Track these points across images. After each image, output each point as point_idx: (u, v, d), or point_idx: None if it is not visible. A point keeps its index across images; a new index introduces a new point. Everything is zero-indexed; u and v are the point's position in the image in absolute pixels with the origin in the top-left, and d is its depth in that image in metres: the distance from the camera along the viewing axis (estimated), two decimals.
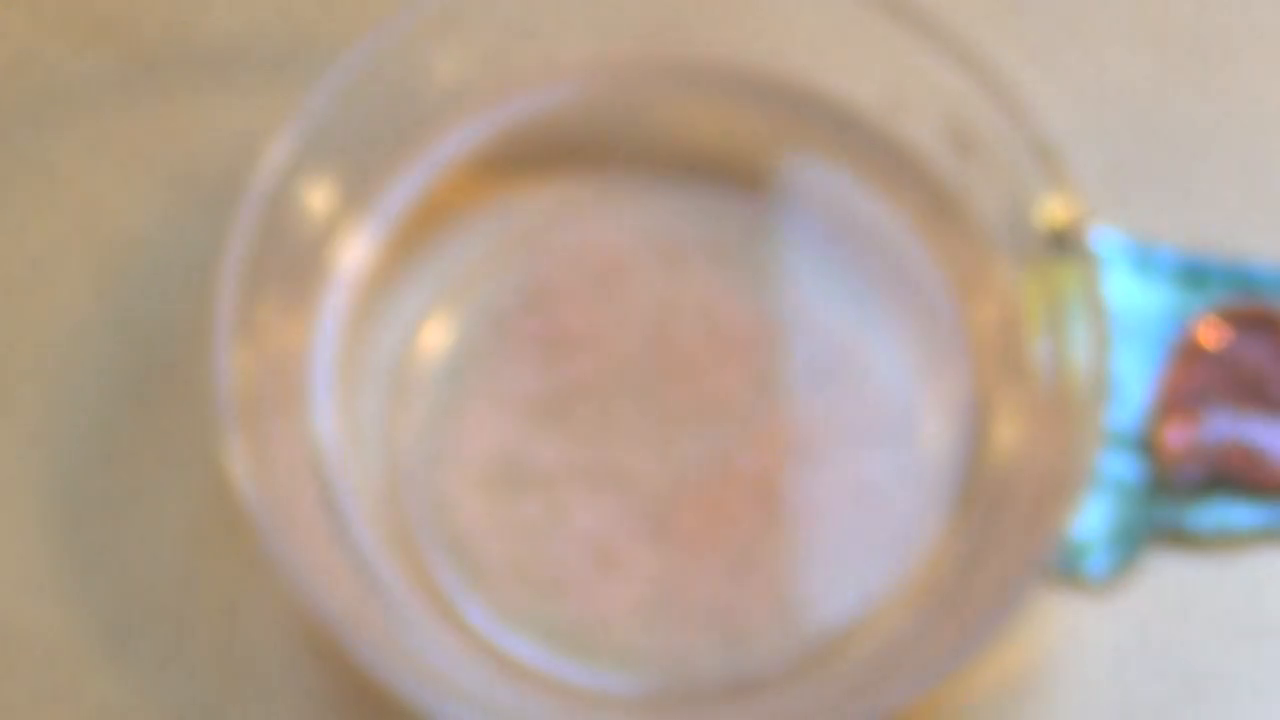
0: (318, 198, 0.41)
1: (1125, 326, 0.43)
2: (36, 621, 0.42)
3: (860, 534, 0.41)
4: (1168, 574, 0.42)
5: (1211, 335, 0.43)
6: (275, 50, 0.46)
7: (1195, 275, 0.43)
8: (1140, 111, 0.45)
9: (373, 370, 0.42)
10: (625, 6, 0.42)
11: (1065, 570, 0.42)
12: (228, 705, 0.41)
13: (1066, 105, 0.45)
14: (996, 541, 0.40)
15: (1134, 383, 0.43)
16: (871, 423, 0.42)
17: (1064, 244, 0.39)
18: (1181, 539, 0.42)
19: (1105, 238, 0.44)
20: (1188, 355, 0.43)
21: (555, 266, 0.43)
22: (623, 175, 0.44)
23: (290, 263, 0.41)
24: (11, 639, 0.41)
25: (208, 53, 0.46)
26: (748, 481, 0.41)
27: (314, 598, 0.37)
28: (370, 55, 0.41)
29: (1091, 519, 0.42)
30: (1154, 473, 0.42)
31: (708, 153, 0.44)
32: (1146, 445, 0.42)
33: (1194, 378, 0.43)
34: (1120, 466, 0.42)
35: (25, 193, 0.45)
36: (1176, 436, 0.42)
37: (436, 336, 0.42)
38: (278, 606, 0.41)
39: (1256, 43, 0.46)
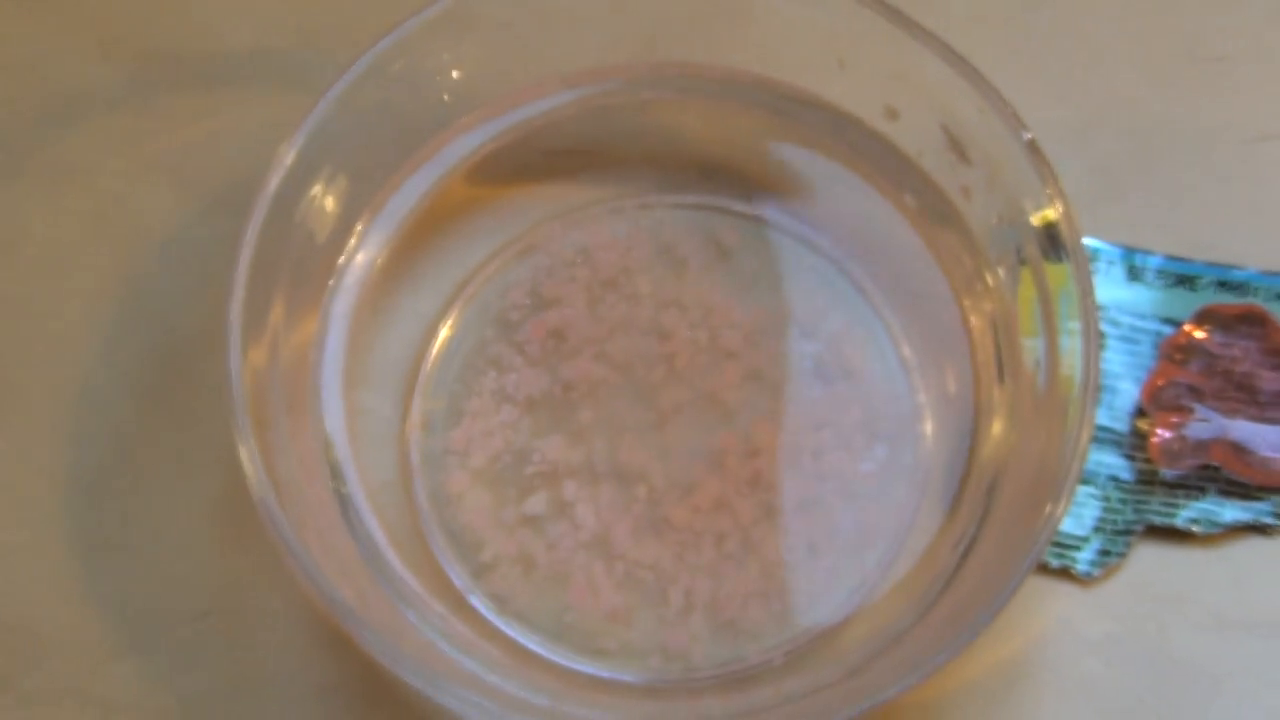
0: (327, 200, 0.41)
1: (1116, 326, 0.44)
2: (52, 617, 0.42)
3: (856, 528, 0.41)
4: (1156, 568, 0.42)
5: (1200, 334, 0.43)
6: (285, 57, 0.46)
7: (1184, 277, 0.44)
8: (1131, 118, 0.45)
9: (381, 369, 0.42)
10: (626, 14, 0.43)
11: (1056, 564, 0.42)
12: (241, 699, 0.41)
13: (1060, 111, 0.45)
14: (989, 536, 0.40)
15: (1124, 381, 0.43)
16: (868, 420, 0.42)
17: (1057, 246, 0.40)
18: (1170, 534, 0.42)
19: (1096, 241, 0.44)
20: (1176, 354, 0.43)
21: (557, 267, 0.43)
22: (624, 177, 0.44)
23: (300, 264, 0.41)
24: (28, 634, 0.42)
25: (219, 60, 0.46)
26: (746, 478, 0.42)
27: (325, 591, 0.37)
28: (378, 62, 0.41)
29: (1082, 514, 0.42)
30: (1143, 469, 0.43)
31: (707, 155, 0.44)
32: (1136, 442, 0.43)
33: (1182, 376, 0.43)
34: (1111, 463, 0.43)
35: (40, 194, 0.45)
36: (1165, 433, 0.42)
37: (442, 336, 0.43)
38: (290, 601, 0.41)
39: (1246, 51, 0.46)
